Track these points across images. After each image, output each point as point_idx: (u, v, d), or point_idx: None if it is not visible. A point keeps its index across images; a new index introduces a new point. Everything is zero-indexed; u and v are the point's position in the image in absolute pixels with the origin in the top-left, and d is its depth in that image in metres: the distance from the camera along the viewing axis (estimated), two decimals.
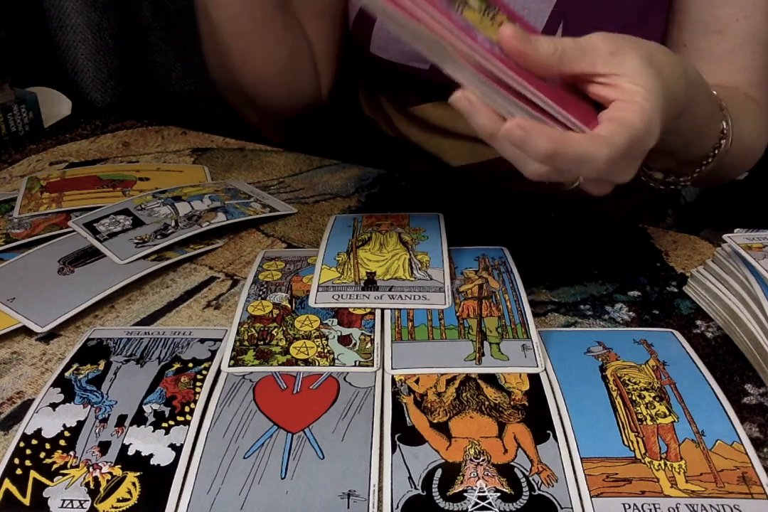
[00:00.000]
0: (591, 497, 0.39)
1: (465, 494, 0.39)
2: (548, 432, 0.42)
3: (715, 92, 0.56)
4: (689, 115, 0.50)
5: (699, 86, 0.51)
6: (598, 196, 0.47)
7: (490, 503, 0.38)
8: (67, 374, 0.47)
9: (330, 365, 0.48)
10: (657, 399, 0.45)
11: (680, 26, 0.67)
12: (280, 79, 0.74)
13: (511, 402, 0.45)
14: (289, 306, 0.53)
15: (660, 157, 0.58)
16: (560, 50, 0.41)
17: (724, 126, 0.57)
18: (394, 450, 0.41)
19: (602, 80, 0.42)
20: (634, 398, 0.45)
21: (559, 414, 0.44)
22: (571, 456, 0.41)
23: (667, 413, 0.44)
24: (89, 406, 0.44)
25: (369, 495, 0.39)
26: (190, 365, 0.48)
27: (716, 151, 0.58)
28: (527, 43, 0.40)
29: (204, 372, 0.47)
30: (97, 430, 0.43)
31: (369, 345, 0.49)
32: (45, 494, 0.39)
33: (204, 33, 0.74)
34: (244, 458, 0.41)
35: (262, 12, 0.69)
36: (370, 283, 0.55)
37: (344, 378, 0.47)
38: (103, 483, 0.39)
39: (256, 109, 0.81)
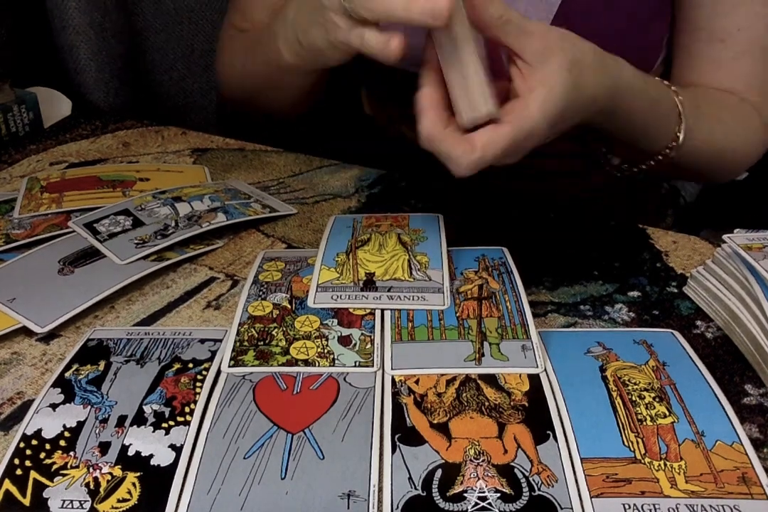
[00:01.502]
0: (591, 497, 0.39)
1: (465, 494, 0.39)
2: (548, 432, 0.43)
3: (680, 98, 0.60)
4: (619, 115, 0.56)
5: (639, 94, 0.56)
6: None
7: (490, 503, 0.38)
8: (67, 374, 0.47)
9: (330, 365, 0.48)
10: (657, 399, 0.45)
11: (686, 34, 0.69)
12: (301, 105, 0.76)
13: (511, 403, 0.45)
14: (289, 306, 0.53)
15: (614, 143, 0.64)
16: (504, 19, 0.46)
17: (678, 130, 0.60)
18: (394, 450, 0.41)
19: (522, 66, 0.47)
20: (634, 398, 0.45)
21: (559, 414, 0.44)
22: (571, 457, 0.41)
23: (667, 413, 0.44)
24: (89, 407, 0.44)
25: (369, 495, 0.39)
26: (190, 365, 0.48)
27: (668, 150, 0.61)
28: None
29: (204, 372, 0.47)
30: (97, 431, 0.43)
31: (369, 345, 0.49)
32: (45, 494, 0.39)
33: (244, 80, 0.74)
34: (244, 458, 0.41)
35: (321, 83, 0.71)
36: (369, 284, 0.55)
37: (344, 379, 0.47)
38: (103, 484, 0.40)
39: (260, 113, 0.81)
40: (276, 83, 0.69)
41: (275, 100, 0.73)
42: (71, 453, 0.41)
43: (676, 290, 0.58)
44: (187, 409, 0.44)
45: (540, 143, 0.49)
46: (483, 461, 0.41)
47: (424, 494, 0.39)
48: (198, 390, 0.46)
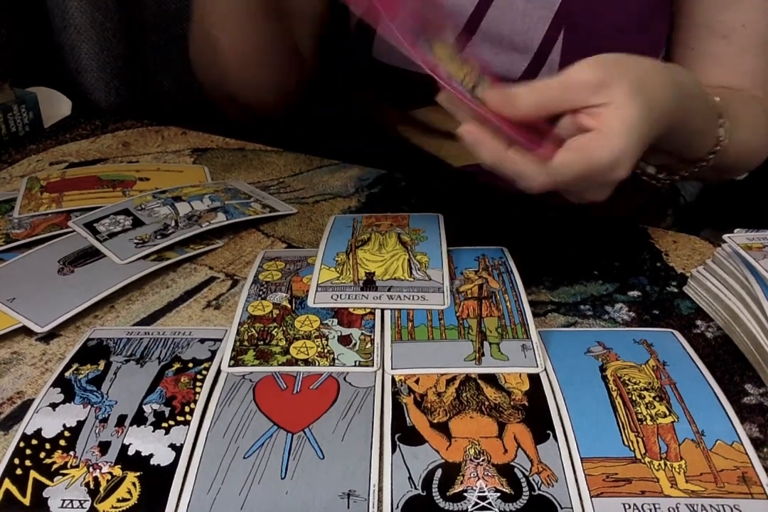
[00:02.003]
0: (591, 497, 0.39)
1: (465, 494, 0.39)
2: (548, 432, 0.42)
3: (717, 98, 0.57)
4: (682, 127, 0.51)
5: (694, 97, 0.52)
6: (576, 203, 0.49)
7: (490, 503, 0.38)
8: (67, 374, 0.47)
9: (330, 365, 0.48)
10: (657, 399, 0.45)
11: (686, 30, 0.67)
12: (272, 80, 0.75)
13: (511, 402, 0.45)
14: (289, 306, 0.53)
15: (656, 154, 0.59)
16: (543, 100, 0.43)
17: (722, 133, 0.58)
18: (394, 450, 0.41)
19: (588, 111, 0.43)
20: (634, 398, 0.45)
21: (559, 414, 0.44)
22: (571, 456, 0.41)
23: (667, 413, 0.44)
24: (89, 406, 0.44)
25: (369, 495, 0.39)
26: (190, 365, 0.48)
27: (711, 155, 0.58)
28: (510, 105, 0.43)
29: (204, 372, 0.47)
30: (97, 430, 0.43)
31: (369, 345, 0.49)
32: (45, 494, 0.39)
33: (199, 49, 0.74)
34: (244, 458, 0.41)
35: (264, 30, 0.69)
36: (369, 283, 0.55)
37: (344, 378, 0.47)
38: (103, 483, 0.39)
39: (238, 106, 0.80)
40: (226, 45, 0.68)
41: (243, 76, 0.72)
42: (71, 453, 0.41)
43: (676, 290, 0.58)
44: (187, 409, 0.44)
45: (624, 175, 0.45)
46: (483, 461, 0.41)
47: (424, 494, 0.39)
48: (198, 389, 0.46)
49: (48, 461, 0.41)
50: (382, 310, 0.53)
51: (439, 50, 0.46)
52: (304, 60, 0.78)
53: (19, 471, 0.40)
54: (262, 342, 0.50)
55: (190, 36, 0.75)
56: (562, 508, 0.38)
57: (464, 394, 0.45)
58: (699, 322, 0.54)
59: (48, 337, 0.52)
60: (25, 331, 0.52)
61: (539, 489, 0.39)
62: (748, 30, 0.64)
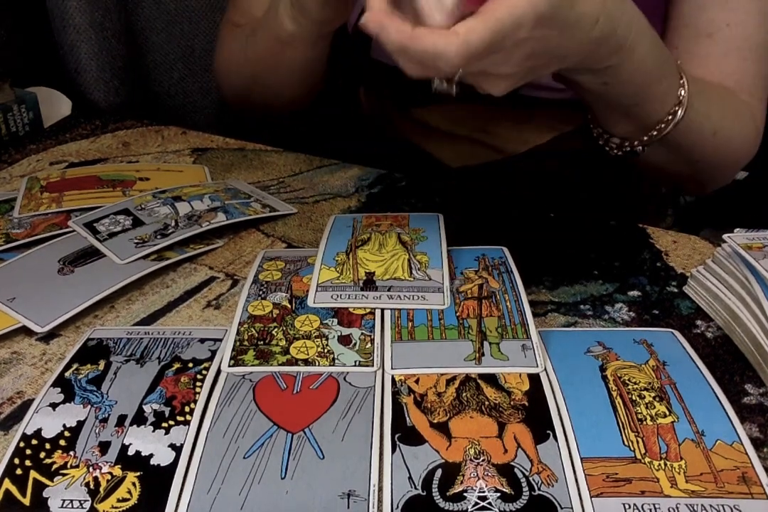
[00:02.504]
0: (591, 497, 0.39)
1: (465, 494, 0.39)
2: (548, 432, 0.42)
3: (679, 63, 0.57)
4: (629, 59, 0.52)
5: (642, 35, 0.52)
6: (495, 94, 0.48)
7: (490, 503, 0.38)
8: (67, 374, 0.47)
9: (330, 365, 0.48)
10: (657, 399, 0.45)
11: (673, 30, 0.67)
12: (305, 90, 0.76)
13: (511, 402, 0.45)
14: (289, 306, 0.53)
15: (614, 116, 0.60)
16: None
17: (682, 94, 0.57)
18: (394, 450, 0.41)
19: None
20: (634, 398, 0.45)
21: (559, 414, 0.44)
22: (571, 456, 0.41)
23: (667, 413, 0.44)
24: (89, 406, 0.44)
25: (369, 495, 0.39)
26: (190, 365, 0.48)
27: (670, 117, 0.58)
28: None
29: (204, 372, 0.47)
30: (97, 430, 0.43)
31: (369, 345, 0.49)
32: (45, 494, 0.39)
33: (242, 67, 0.74)
34: (244, 458, 0.41)
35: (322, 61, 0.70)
36: (369, 283, 0.55)
37: (344, 378, 0.47)
38: (103, 483, 0.39)
39: (257, 109, 0.81)
40: (277, 61, 0.69)
41: (275, 85, 0.73)
42: (71, 453, 0.41)
43: (676, 290, 0.58)
44: (187, 409, 0.44)
45: (533, 62, 0.45)
46: (483, 460, 0.41)
47: (424, 494, 0.39)
48: (198, 389, 0.46)
49: (48, 461, 0.41)
50: (382, 310, 0.53)
51: None
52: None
53: (19, 471, 0.40)
54: (262, 342, 0.50)
55: (225, 46, 0.76)
56: (562, 508, 0.38)
57: (464, 394, 0.45)
58: (699, 322, 0.54)
59: (48, 337, 0.52)
60: (25, 331, 0.52)
61: (539, 489, 0.39)
62: (734, 30, 0.64)
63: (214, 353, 0.49)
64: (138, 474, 0.40)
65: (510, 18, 0.42)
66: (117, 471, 0.40)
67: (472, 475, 0.40)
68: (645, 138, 0.61)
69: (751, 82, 0.66)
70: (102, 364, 0.48)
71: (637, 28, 0.52)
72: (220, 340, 0.50)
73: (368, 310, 0.53)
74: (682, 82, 0.58)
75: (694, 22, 0.65)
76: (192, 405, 0.44)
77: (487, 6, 0.42)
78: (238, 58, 0.74)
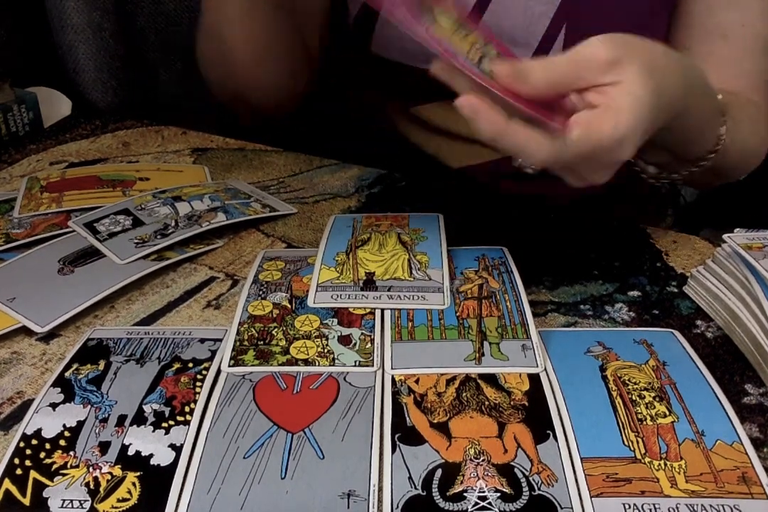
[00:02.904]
0: (591, 497, 0.39)
1: (465, 494, 0.39)
2: (548, 432, 0.42)
3: (720, 96, 0.56)
4: (687, 118, 0.50)
5: (701, 90, 0.52)
6: (578, 187, 0.48)
7: (490, 503, 0.38)
8: (67, 374, 0.47)
9: (330, 365, 0.48)
10: (657, 399, 0.45)
11: (685, 30, 0.66)
12: (282, 79, 0.75)
13: (511, 402, 0.45)
14: (289, 306, 0.53)
15: (656, 151, 0.59)
16: (555, 77, 0.42)
17: (723, 131, 0.57)
18: (394, 450, 0.41)
19: (597, 89, 0.43)
20: (634, 398, 0.45)
21: (559, 414, 0.44)
22: (571, 456, 0.41)
23: (667, 413, 0.44)
24: (89, 406, 0.44)
25: (369, 495, 0.39)
26: (190, 365, 0.48)
27: (712, 155, 0.58)
28: (521, 81, 0.42)
29: (204, 372, 0.47)
30: (97, 430, 0.43)
31: (369, 345, 0.49)
32: (45, 494, 0.39)
33: (208, 48, 0.74)
34: (244, 458, 0.41)
35: (274, 28, 0.69)
36: (369, 283, 0.55)
37: (344, 378, 0.47)
38: (103, 483, 0.39)
39: (246, 106, 0.80)
40: (238, 31, 0.68)
41: (258, 66, 0.72)
42: (71, 453, 0.41)
43: (676, 290, 0.58)
44: (187, 409, 0.44)
45: (628, 156, 0.45)
46: (483, 460, 0.41)
47: (424, 493, 0.39)
48: (198, 389, 0.46)
49: (48, 461, 0.41)
50: (382, 310, 0.53)
51: (443, 19, 0.44)
52: (311, 56, 0.78)
53: (19, 471, 0.40)
54: (262, 342, 0.50)
55: (198, 34, 0.75)
56: (562, 508, 0.38)
57: (464, 394, 0.45)
58: (699, 322, 0.54)
59: (48, 337, 0.52)
60: (25, 331, 0.52)
61: (539, 489, 0.39)
62: (747, 30, 0.63)
63: (214, 353, 0.49)
64: (138, 474, 0.40)
65: (611, 138, 0.41)
66: (117, 471, 0.40)
67: (472, 475, 0.40)
68: (686, 171, 0.60)
69: (762, 82, 0.66)
70: (102, 364, 0.48)
71: (700, 86, 0.51)
72: (220, 340, 0.50)
73: (368, 310, 0.53)
74: (723, 119, 0.57)
75: (706, 23, 0.64)
76: (192, 405, 0.44)
77: (593, 116, 0.42)
78: (212, 49, 0.74)
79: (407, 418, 0.44)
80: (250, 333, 0.51)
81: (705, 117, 0.55)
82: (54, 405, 0.44)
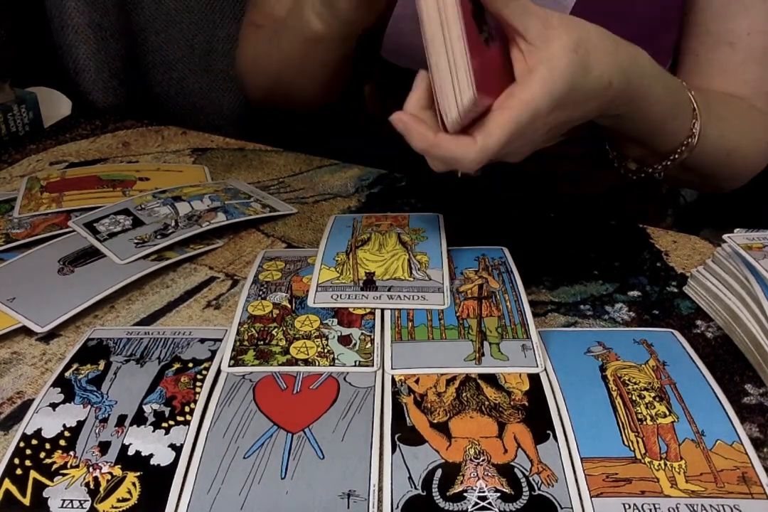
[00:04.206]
0: (591, 497, 0.39)
1: (465, 494, 0.39)
2: (548, 432, 0.42)
3: (692, 93, 0.58)
4: (642, 106, 0.52)
5: (654, 79, 0.53)
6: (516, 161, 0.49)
7: (490, 503, 0.38)
8: (67, 374, 0.47)
9: (330, 365, 0.48)
10: (657, 399, 0.45)
11: (693, 37, 0.67)
12: (328, 82, 0.75)
13: (511, 402, 0.45)
14: (289, 306, 0.53)
15: (628, 144, 0.61)
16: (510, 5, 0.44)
17: (695, 125, 0.58)
18: (394, 450, 0.41)
19: (524, 48, 0.45)
20: (634, 398, 0.45)
21: (559, 414, 0.44)
22: (571, 456, 0.41)
23: (667, 413, 0.44)
24: (89, 406, 0.44)
25: (369, 495, 0.39)
26: (190, 365, 0.48)
27: (683, 147, 0.59)
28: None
29: (204, 372, 0.47)
30: (97, 430, 0.43)
31: (369, 345, 0.49)
32: (45, 494, 0.39)
33: (268, 67, 0.74)
34: (244, 458, 0.41)
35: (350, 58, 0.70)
36: (369, 283, 0.55)
37: (344, 378, 0.47)
38: (103, 483, 0.39)
39: (280, 104, 0.80)
40: (303, 61, 0.68)
41: (301, 85, 0.72)
42: (71, 453, 0.41)
43: (676, 290, 0.58)
44: (187, 409, 0.44)
45: (551, 134, 0.47)
46: (483, 460, 0.41)
47: (424, 494, 0.39)
48: (198, 389, 0.46)
49: (48, 461, 0.41)
50: (382, 310, 0.53)
51: None
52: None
53: (19, 471, 0.40)
54: (262, 342, 0.50)
55: (248, 47, 0.75)
56: (562, 508, 0.38)
57: (464, 394, 0.45)
58: (699, 322, 0.54)
59: (48, 337, 0.52)
60: (25, 331, 0.52)
61: (539, 489, 0.39)
62: (754, 38, 0.64)
63: (214, 353, 0.49)
64: (138, 474, 0.40)
65: (526, 112, 0.43)
66: (117, 471, 0.40)
67: (472, 475, 0.40)
68: (659, 165, 0.61)
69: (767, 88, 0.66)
70: (102, 364, 0.48)
71: (650, 75, 0.52)
72: (220, 340, 0.50)
73: (368, 310, 0.53)
74: (695, 113, 0.58)
75: (715, 30, 0.65)
76: (192, 405, 0.44)
77: (502, 101, 0.44)
78: (263, 59, 0.74)
79: (407, 418, 0.44)
80: (250, 333, 0.51)
81: (665, 106, 0.55)
82: (54, 405, 0.44)
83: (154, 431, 0.43)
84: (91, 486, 0.39)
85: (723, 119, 0.62)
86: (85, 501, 0.39)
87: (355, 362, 0.48)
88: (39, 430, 0.43)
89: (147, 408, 0.44)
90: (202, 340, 0.50)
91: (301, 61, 0.69)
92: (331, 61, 0.68)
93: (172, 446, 0.42)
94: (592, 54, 0.46)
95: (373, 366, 0.48)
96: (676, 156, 0.60)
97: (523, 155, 0.49)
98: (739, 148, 0.64)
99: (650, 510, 0.38)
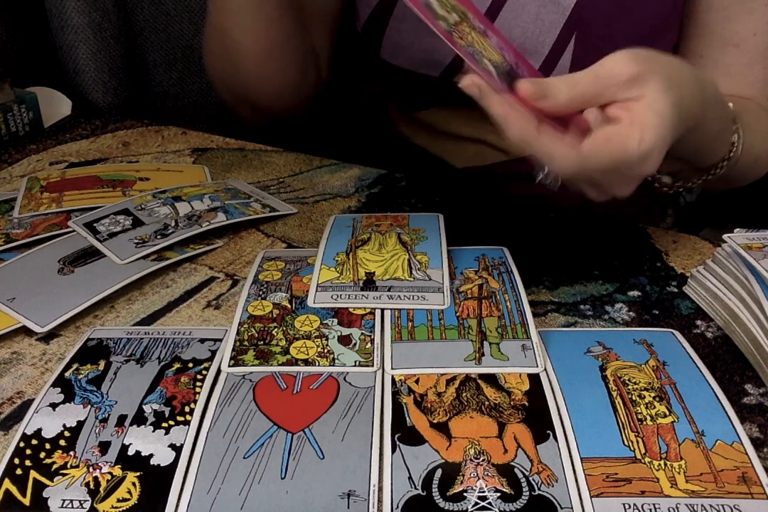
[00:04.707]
0: (591, 497, 0.39)
1: (465, 494, 0.39)
2: (548, 432, 0.42)
3: (731, 104, 0.57)
4: (701, 129, 0.51)
5: (714, 101, 0.52)
6: (597, 201, 0.48)
7: (490, 503, 0.38)
8: (67, 374, 0.47)
9: (330, 365, 0.48)
10: (657, 399, 0.45)
11: (697, 38, 0.67)
12: (289, 80, 0.75)
13: (511, 402, 0.45)
14: (289, 306, 0.53)
15: (670, 161, 0.59)
16: (578, 94, 0.42)
17: (735, 139, 0.58)
18: (394, 450, 0.41)
19: (619, 104, 0.43)
20: (634, 398, 0.45)
21: (559, 414, 0.44)
22: (571, 456, 0.41)
23: (667, 413, 0.44)
24: (89, 406, 0.44)
25: (369, 495, 0.39)
26: (190, 365, 0.48)
27: (725, 162, 0.58)
28: (545, 99, 0.42)
29: (204, 372, 0.47)
30: (97, 430, 0.43)
31: (369, 345, 0.49)
32: (45, 494, 0.39)
33: (215, 46, 0.74)
34: (244, 458, 0.41)
35: (281, 26, 0.69)
36: (369, 283, 0.55)
37: (344, 378, 0.47)
38: (103, 483, 0.39)
39: (252, 108, 0.80)
40: (245, 29, 0.68)
41: (264, 66, 0.72)
42: (71, 453, 0.41)
43: (676, 290, 0.58)
44: (187, 409, 0.44)
45: (652, 170, 0.46)
46: (483, 460, 0.41)
47: (424, 493, 0.39)
48: (198, 389, 0.46)
49: (48, 461, 0.41)
50: (382, 310, 0.53)
51: (469, 31, 0.45)
52: (320, 59, 0.78)
53: (19, 471, 0.40)
54: (262, 342, 0.50)
55: (205, 32, 0.75)
56: (562, 508, 0.38)
57: (464, 394, 0.45)
58: (699, 322, 0.54)
59: (48, 337, 0.52)
60: (25, 331, 0.52)
61: (539, 489, 0.39)
62: (759, 39, 0.64)
63: (214, 353, 0.49)
64: (138, 474, 0.40)
65: (636, 153, 0.42)
66: (117, 471, 0.40)
67: (472, 475, 0.40)
68: (699, 180, 0.60)
69: None
70: (102, 364, 0.48)
71: (710, 99, 0.51)
72: (220, 340, 0.50)
73: (368, 310, 0.53)
74: (735, 127, 0.57)
75: (720, 32, 0.65)
76: (192, 405, 0.44)
77: (619, 130, 0.42)
78: (216, 49, 0.74)
79: (407, 418, 0.44)
80: (250, 333, 0.51)
81: (718, 126, 0.55)
82: (54, 405, 0.44)
83: (154, 431, 0.43)
84: (91, 486, 0.39)
85: (751, 128, 0.62)
86: (85, 501, 0.39)
87: (355, 362, 0.48)
88: (39, 430, 0.43)
89: (147, 408, 0.44)
90: (202, 340, 0.50)
91: (234, 28, 0.68)
92: (261, 28, 0.68)
93: (172, 446, 0.42)
94: (682, 88, 0.45)
95: (373, 366, 0.48)
96: (718, 170, 0.59)
97: (629, 189, 0.48)
98: (764, 152, 0.64)
99: (650, 510, 0.38)
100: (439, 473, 0.40)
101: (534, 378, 0.47)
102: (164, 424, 0.43)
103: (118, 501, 0.39)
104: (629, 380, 0.47)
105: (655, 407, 0.44)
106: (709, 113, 0.51)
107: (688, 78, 0.47)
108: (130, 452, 0.41)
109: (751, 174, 0.66)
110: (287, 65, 0.73)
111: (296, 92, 0.77)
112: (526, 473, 0.40)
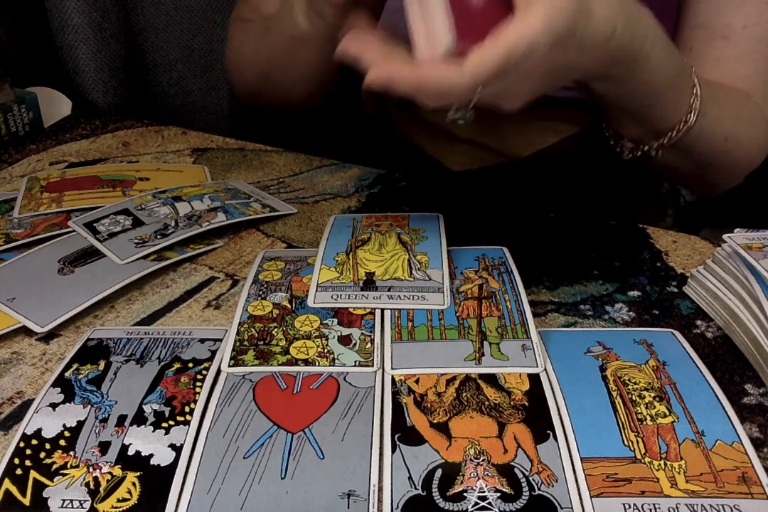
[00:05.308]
0: (591, 497, 0.39)
1: (465, 494, 0.39)
2: (548, 432, 0.42)
3: (693, 70, 0.57)
4: (644, 69, 0.52)
5: (658, 43, 0.52)
6: (512, 111, 0.48)
7: (490, 503, 0.38)
8: (67, 374, 0.47)
9: (330, 365, 0.48)
10: (657, 399, 0.45)
11: (687, 31, 0.67)
12: (321, 88, 0.75)
13: (511, 402, 0.45)
14: (289, 306, 0.53)
15: (626, 121, 0.60)
16: None
17: (695, 101, 0.58)
18: (394, 450, 0.41)
19: None
20: (634, 398, 0.45)
21: (559, 414, 0.44)
22: (571, 456, 0.41)
23: (667, 413, 0.44)
24: (89, 406, 0.44)
25: (369, 495, 0.39)
26: (190, 365, 0.48)
27: (681, 125, 0.58)
28: None
29: (204, 372, 0.47)
30: (97, 430, 0.43)
31: (369, 345, 0.49)
32: (45, 494, 0.39)
33: (253, 64, 0.74)
34: (244, 458, 0.41)
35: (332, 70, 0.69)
36: (369, 283, 0.55)
37: (344, 378, 0.47)
38: (103, 483, 0.39)
39: (269, 103, 0.80)
40: (292, 59, 0.68)
41: (288, 83, 0.72)
42: (71, 453, 0.41)
43: (676, 290, 0.58)
44: (187, 409, 0.44)
45: (549, 79, 0.45)
46: (483, 460, 0.41)
47: (424, 493, 0.39)
48: (198, 389, 0.46)
49: (48, 461, 0.41)
50: (382, 310, 0.53)
51: None
52: None
53: (19, 471, 0.40)
54: (262, 342, 0.50)
55: (235, 42, 0.75)
56: (562, 508, 0.38)
57: (464, 394, 0.45)
58: (699, 322, 0.54)
59: (48, 337, 0.52)
60: (25, 331, 0.52)
61: (539, 489, 0.39)
62: (749, 32, 0.64)
63: (214, 353, 0.49)
64: (138, 474, 0.40)
65: (523, 43, 0.41)
66: (117, 471, 0.40)
67: (472, 475, 0.40)
68: (656, 143, 0.61)
69: (763, 84, 0.66)
70: (102, 364, 0.48)
71: (653, 37, 0.51)
72: (220, 340, 0.50)
73: (368, 310, 0.53)
74: (695, 89, 0.58)
75: (710, 24, 0.65)
76: (192, 405, 0.44)
77: (497, 32, 0.41)
78: (251, 55, 0.74)
79: (407, 418, 0.44)
80: (250, 333, 0.51)
81: (667, 74, 0.55)
82: (54, 405, 0.44)
83: (154, 431, 0.43)
84: (91, 486, 0.39)
85: (722, 102, 0.61)
86: (85, 501, 0.39)
87: (355, 362, 0.48)
88: (39, 430, 0.43)
89: (147, 408, 0.44)
90: (202, 340, 0.50)
91: (286, 58, 0.68)
92: (315, 61, 0.68)
93: (172, 446, 0.42)
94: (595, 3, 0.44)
95: (373, 366, 0.48)
96: (674, 133, 0.59)
97: (520, 100, 0.47)
98: (735, 133, 0.63)
99: (650, 510, 0.38)
100: (439, 473, 0.40)
101: (534, 378, 0.47)
102: (164, 424, 0.43)
103: (118, 501, 0.39)
104: (629, 380, 0.47)
105: (655, 407, 0.44)
106: (651, 54, 0.51)
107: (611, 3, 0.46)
108: (130, 452, 0.41)
109: (727, 156, 0.65)
110: (320, 80, 0.73)
111: (319, 96, 0.77)
112: (526, 473, 0.40)
